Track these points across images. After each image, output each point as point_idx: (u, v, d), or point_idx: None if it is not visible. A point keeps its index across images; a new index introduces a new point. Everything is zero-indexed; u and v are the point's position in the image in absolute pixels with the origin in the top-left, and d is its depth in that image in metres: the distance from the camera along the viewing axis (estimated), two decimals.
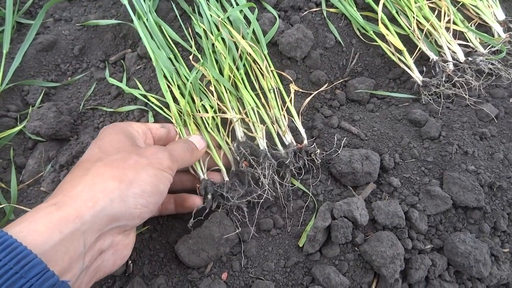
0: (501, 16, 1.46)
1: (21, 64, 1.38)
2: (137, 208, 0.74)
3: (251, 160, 1.08)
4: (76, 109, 1.32)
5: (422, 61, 1.41)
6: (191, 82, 1.17)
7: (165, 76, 1.22)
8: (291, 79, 1.29)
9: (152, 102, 1.20)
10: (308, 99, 1.26)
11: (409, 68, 1.34)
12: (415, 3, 1.38)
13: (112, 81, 1.33)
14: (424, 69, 1.37)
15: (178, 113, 1.15)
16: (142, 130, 0.98)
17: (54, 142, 1.24)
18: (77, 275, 0.63)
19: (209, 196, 1.02)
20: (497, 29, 1.40)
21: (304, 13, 1.42)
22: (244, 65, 1.27)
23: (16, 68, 1.35)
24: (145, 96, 1.25)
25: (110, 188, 0.70)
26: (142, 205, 0.75)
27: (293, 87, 1.29)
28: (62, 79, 1.43)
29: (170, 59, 1.26)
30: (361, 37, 1.42)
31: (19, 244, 0.54)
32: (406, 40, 1.41)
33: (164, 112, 1.16)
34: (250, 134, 1.14)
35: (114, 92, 1.35)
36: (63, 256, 0.59)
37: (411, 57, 1.36)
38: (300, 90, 1.33)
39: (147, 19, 1.33)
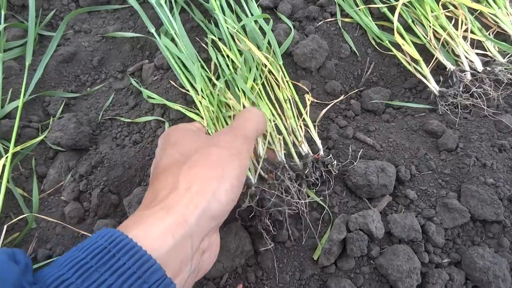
0: None
1: (43, 75, 1.42)
2: (229, 204, 0.74)
3: (275, 173, 1.09)
4: (95, 120, 1.35)
5: (438, 70, 1.39)
6: (218, 91, 1.19)
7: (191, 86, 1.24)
8: (306, 90, 1.30)
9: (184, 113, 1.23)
10: (325, 109, 1.26)
11: (425, 78, 1.33)
12: (432, 12, 1.37)
13: (136, 85, 1.36)
14: (441, 78, 1.36)
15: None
16: (198, 128, 1.02)
17: (74, 152, 1.27)
18: (185, 278, 0.64)
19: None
20: None
21: (319, 24, 1.42)
22: (260, 75, 1.28)
23: (38, 80, 1.40)
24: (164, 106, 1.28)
25: (205, 189, 0.70)
26: (232, 200, 0.75)
27: (308, 97, 1.29)
28: (82, 89, 1.46)
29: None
30: (376, 46, 1.41)
31: (140, 248, 0.55)
32: (422, 49, 1.40)
33: (198, 116, 1.18)
34: (268, 147, 1.15)
35: (132, 103, 1.38)
36: (175, 261, 0.60)
37: (427, 66, 1.35)
38: (316, 100, 1.33)
39: (175, 32, 1.35)
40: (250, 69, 1.27)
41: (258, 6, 1.48)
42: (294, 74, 1.36)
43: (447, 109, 1.27)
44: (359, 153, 1.19)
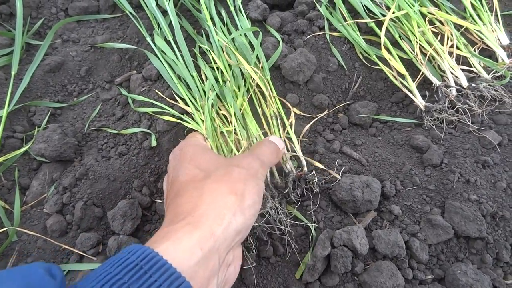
0: (505, 40, 1.46)
1: (29, 85, 1.41)
2: (251, 218, 0.77)
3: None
4: (81, 130, 1.34)
5: (425, 85, 1.40)
6: (212, 103, 1.19)
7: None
8: (290, 106, 1.30)
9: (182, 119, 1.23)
10: (310, 124, 1.26)
11: (411, 92, 1.34)
12: (418, 27, 1.39)
13: (124, 92, 1.35)
14: (427, 93, 1.37)
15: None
16: (202, 139, 1.08)
17: (58, 163, 1.26)
18: None
19: None
20: (501, 54, 1.40)
21: (308, 37, 1.43)
22: (247, 90, 1.28)
23: (24, 89, 1.38)
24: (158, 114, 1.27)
25: (230, 203, 0.72)
26: (253, 215, 0.78)
27: (294, 111, 1.30)
28: (69, 99, 1.45)
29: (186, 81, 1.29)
30: (364, 61, 1.42)
31: (170, 266, 0.56)
32: (409, 64, 1.41)
33: (198, 125, 1.18)
34: None
35: (119, 114, 1.37)
36: (203, 274, 0.61)
37: (414, 81, 1.36)
38: (302, 114, 1.33)
39: (173, 39, 1.34)
40: (239, 84, 1.27)
41: (247, 18, 1.49)
42: (282, 87, 1.36)
43: (432, 124, 1.28)
44: (345, 168, 1.19)
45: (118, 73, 1.50)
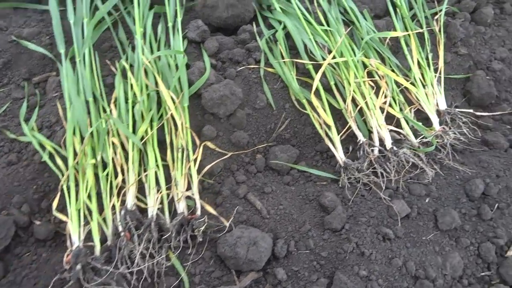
0: (443, 105, 1.41)
1: None
2: None
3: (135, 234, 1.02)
4: None
5: (354, 138, 1.34)
6: (91, 134, 1.10)
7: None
8: (200, 139, 1.22)
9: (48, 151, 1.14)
10: (210, 165, 1.18)
11: (334, 145, 1.27)
12: (355, 77, 1.33)
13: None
14: (351, 147, 1.31)
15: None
16: None
17: None
18: None
19: (78, 267, 0.95)
20: (434, 120, 1.35)
21: (241, 68, 1.36)
22: (161, 116, 1.21)
23: None
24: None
25: None
26: None
27: (208, 145, 1.22)
28: None
29: (88, 102, 1.19)
30: (295, 103, 1.35)
31: None
32: (342, 114, 1.35)
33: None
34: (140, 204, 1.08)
35: (23, 117, 1.27)
36: None
37: (341, 132, 1.30)
38: (217, 149, 1.26)
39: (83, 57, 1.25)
40: (151, 108, 1.19)
41: (184, 38, 1.41)
42: (201, 118, 1.29)
43: (347, 183, 1.22)
44: (243, 217, 1.12)
45: (38, 71, 1.40)
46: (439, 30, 1.51)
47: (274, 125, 1.34)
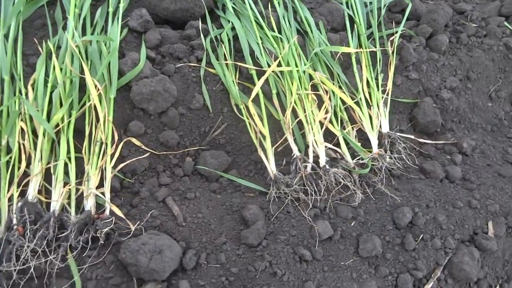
0: (386, 128, 1.38)
1: None
2: None
3: (29, 228, 0.92)
4: None
5: (291, 150, 1.29)
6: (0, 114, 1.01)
7: None
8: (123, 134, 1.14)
9: None
10: (130, 161, 1.11)
11: (266, 156, 1.22)
12: (298, 89, 1.28)
13: None
14: (285, 161, 1.26)
15: None
16: None
17: None
18: None
19: None
20: (373, 142, 1.32)
21: (181, 65, 1.28)
22: (83, 105, 1.12)
23: None
24: None
25: None
26: None
27: (133, 141, 1.15)
28: None
29: (3, 80, 1.09)
30: (234, 108, 1.29)
31: None
32: (280, 125, 1.30)
33: None
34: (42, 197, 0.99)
35: None
36: None
37: (276, 143, 1.25)
38: (142, 146, 1.18)
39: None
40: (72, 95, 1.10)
41: (125, 26, 1.32)
42: (130, 112, 1.20)
43: (276, 197, 1.17)
44: (156, 222, 1.05)
45: None
46: (392, 52, 1.49)
47: (209, 128, 1.28)
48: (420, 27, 1.62)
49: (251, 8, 1.41)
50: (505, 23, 1.78)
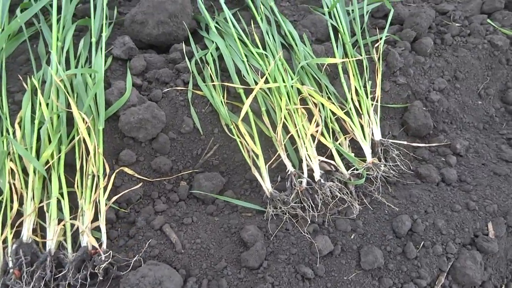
0: (378, 135, 1.38)
1: None
2: None
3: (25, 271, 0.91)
4: None
5: (285, 166, 1.28)
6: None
7: None
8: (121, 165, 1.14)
9: None
10: (125, 191, 1.09)
11: (261, 175, 1.21)
12: (287, 105, 1.28)
13: None
14: (280, 177, 1.25)
15: None
16: None
17: None
18: None
19: None
20: (366, 151, 1.31)
21: (168, 90, 1.28)
22: (72, 139, 1.11)
23: None
24: None
25: None
26: None
27: (126, 171, 1.14)
28: None
29: None
30: (225, 128, 1.29)
31: None
32: (272, 141, 1.30)
33: None
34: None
35: None
36: None
37: (270, 160, 1.24)
38: (136, 175, 1.17)
39: None
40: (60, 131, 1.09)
41: (109, 55, 1.32)
42: (120, 141, 1.20)
43: (273, 215, 1.16)
44: (155, 252, 1.03)
45: None
46: (378, 59, 1.49)
47: (202, 150, 1.27)
48: (404, 32, 1.62)
49: (234, 26, 1.42)
50: (488, 20, 1.79)
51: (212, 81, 1.29)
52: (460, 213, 1.23)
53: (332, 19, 1.57)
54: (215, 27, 1.43)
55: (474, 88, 1.68)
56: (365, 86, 1.45)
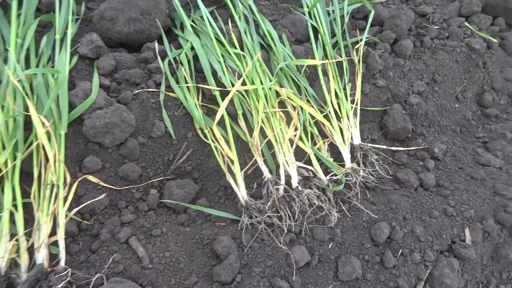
0: (357, 139, 1.35)
1: None
2: None
3: None
4: None
5: (261, 172, 1.23)
6: None
7: None
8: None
9: None
10: (86, 203, 1.02)
11: (236, 182, 1.16)
12: (264, 108, 1.23)
13: None
14: (256, 184, 1.21)
15: None
16: None
17: None
18: None
19: None
20: (345, 155, 1.28)
21: (139, 91, 1.21)
22: (30, 145, 1.02)
23: None
24: None
25: None
26: None
27: (90, 179, 1.06)
28: None
29: None
30: (199, 132, 1.23)
31: None
32: (249, 146, 1.24)
33: None
34: None
35: None
36: None
37: (246, 166, 1.19)
38: (101, 183, 1.09)
39: None
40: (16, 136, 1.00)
41: (75, 53, 1.23)
42: (84, 146, 1.12)
43: (249, 224, 1.11)
44: (119, 268, 0.97)
45: None
46: (358, 61, 1.46)
47: (174, 156, 1.21)
48: (384, 33, 1.60)
49: (211, 25, 1.35)
50: (466, 23, 1.79)
51: (186, 82, 1.23)
52: (438, 219, 1.22)
53: (312, 19, 1.52)
54: (191, 25, 1.36)
55: (452, 91, 1.68)
56: (344, 89, 1.42)
